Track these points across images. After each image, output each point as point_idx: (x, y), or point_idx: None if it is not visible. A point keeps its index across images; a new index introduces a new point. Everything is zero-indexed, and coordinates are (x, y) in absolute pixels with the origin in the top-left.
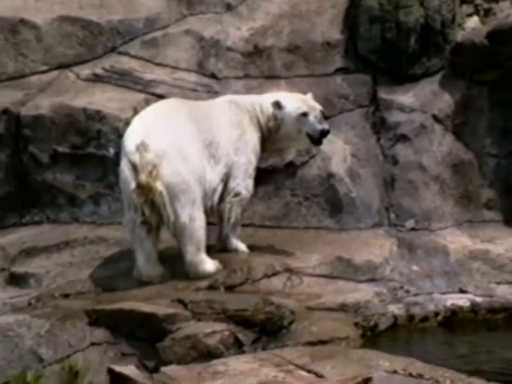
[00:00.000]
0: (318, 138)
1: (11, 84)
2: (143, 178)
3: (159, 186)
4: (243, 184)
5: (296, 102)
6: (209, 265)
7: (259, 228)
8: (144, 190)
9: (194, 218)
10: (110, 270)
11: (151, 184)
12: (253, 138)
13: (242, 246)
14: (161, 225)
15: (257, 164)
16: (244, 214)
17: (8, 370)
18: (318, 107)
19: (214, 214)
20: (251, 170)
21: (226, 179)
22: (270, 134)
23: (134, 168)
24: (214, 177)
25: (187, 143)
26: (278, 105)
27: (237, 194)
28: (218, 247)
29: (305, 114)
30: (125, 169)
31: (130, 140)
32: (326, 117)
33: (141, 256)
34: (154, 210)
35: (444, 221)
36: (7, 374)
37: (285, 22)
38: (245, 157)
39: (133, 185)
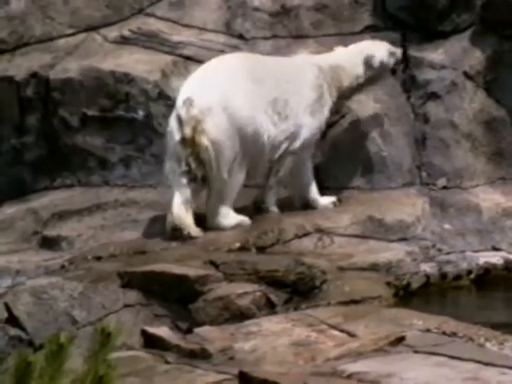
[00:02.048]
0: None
1: (39, 47)
2: (188, 131)
3: (205, 141)
4: (304, 144)
5: (378, 45)
6: (227, 219)
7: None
8: (188, 143)
9: (232, 174)
10: (142, 233)
11: (197, 139)
12: (327, 104)
13: (323, 200)
14: (206, 178)
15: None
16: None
17: (43, 331)
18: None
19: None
20: (318, 136)
21: (293, 138)
22: (353, 89)
23: (180, 121)
24: (276, 133)
25: (237, 99)
26: (371, 58)
27: (294, 152)
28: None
29: (392, 53)
30: (172, 121)
31: (180, 95)
32: None
33: (177, 199)
34: (199, 163)
35: (476, 178)
36: (42, 336)
37: None
38: (317, 121)
39: (177, 137)
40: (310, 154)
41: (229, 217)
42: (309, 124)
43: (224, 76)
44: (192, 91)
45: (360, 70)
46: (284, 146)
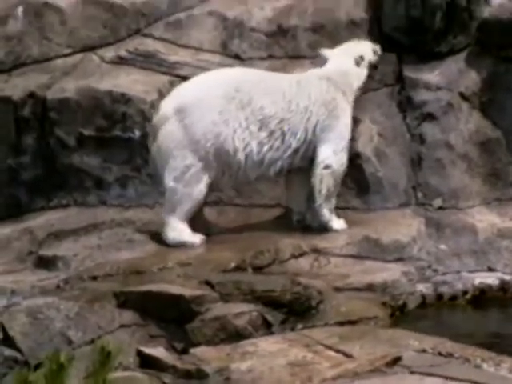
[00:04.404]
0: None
1: (36, 67)
2: (150, 139)
3: (154, 148)
4: (334, 158)
5: (363, 45)
6: (174, 232)
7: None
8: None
9: (180, 183)
10: (138, 252)
11: (149, 145)
12: (345, 113)
13: (335, 222)
14: None
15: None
16: (337, 187)
17: (39, 351)
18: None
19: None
20: (344, 144)
21: (300, 154)
22: (359, 92)
23: None
24: (264, 151)
25: (198, 112)
26: (362, 58)
27: (327, 167)
28: (296, 218)
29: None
30: None
31: None
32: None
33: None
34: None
35: (472, 199)
36: (38, 356)
37: (309, 1)
38: (335, 133)
39: None
40: (344, 167)
41: (177, 231)
42: (324, 138)
43: (198, 88)
44: (162, 100)
45: (358, 70)
46: (280, 162)
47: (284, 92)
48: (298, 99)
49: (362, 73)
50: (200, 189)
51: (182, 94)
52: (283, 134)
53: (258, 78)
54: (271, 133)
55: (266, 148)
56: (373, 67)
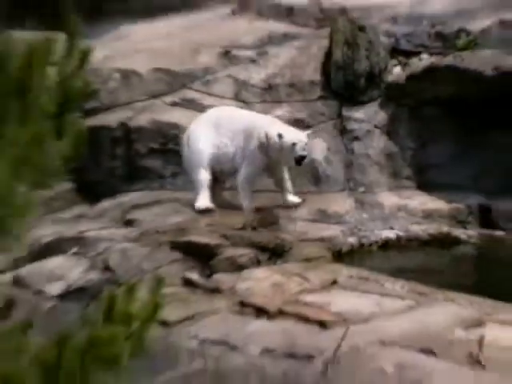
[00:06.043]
0: (298, 161)
1: (122, 108)
2: (183, 149)
3: (185, 153)
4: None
5: (291, 134)
6: (198, 203)
7: (269, 192)
8: None
9: (197, 173)
10: (183, 217)
11: (182, 153)
12: (254, 153)
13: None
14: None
15: (257, 172)
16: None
17: (126, 275)
18: (304, 140)
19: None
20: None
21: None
22: (275, 156)
23: None
24: (227, 151)
25: (200, 135)
26: (280, 136)
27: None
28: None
29: (294, 144)
30: None
31: None
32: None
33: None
34: None
35: (382, 187)
36: (125, 278)
37: (287, 70)
38: (247, 163)
39: None
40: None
41: (199, 202)
42: (242, 163)
43: (197, 121)
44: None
45: (264, 135)
46: (229, 164)
47: (235, 126)
48: (239, 132)
49: (270, 141)
50: (202, 176)
51: (191, 125)
52: (230, 148)
53: (230, 115)
54: (227, 146)
55: (227, 149)
56: (294, 159)
